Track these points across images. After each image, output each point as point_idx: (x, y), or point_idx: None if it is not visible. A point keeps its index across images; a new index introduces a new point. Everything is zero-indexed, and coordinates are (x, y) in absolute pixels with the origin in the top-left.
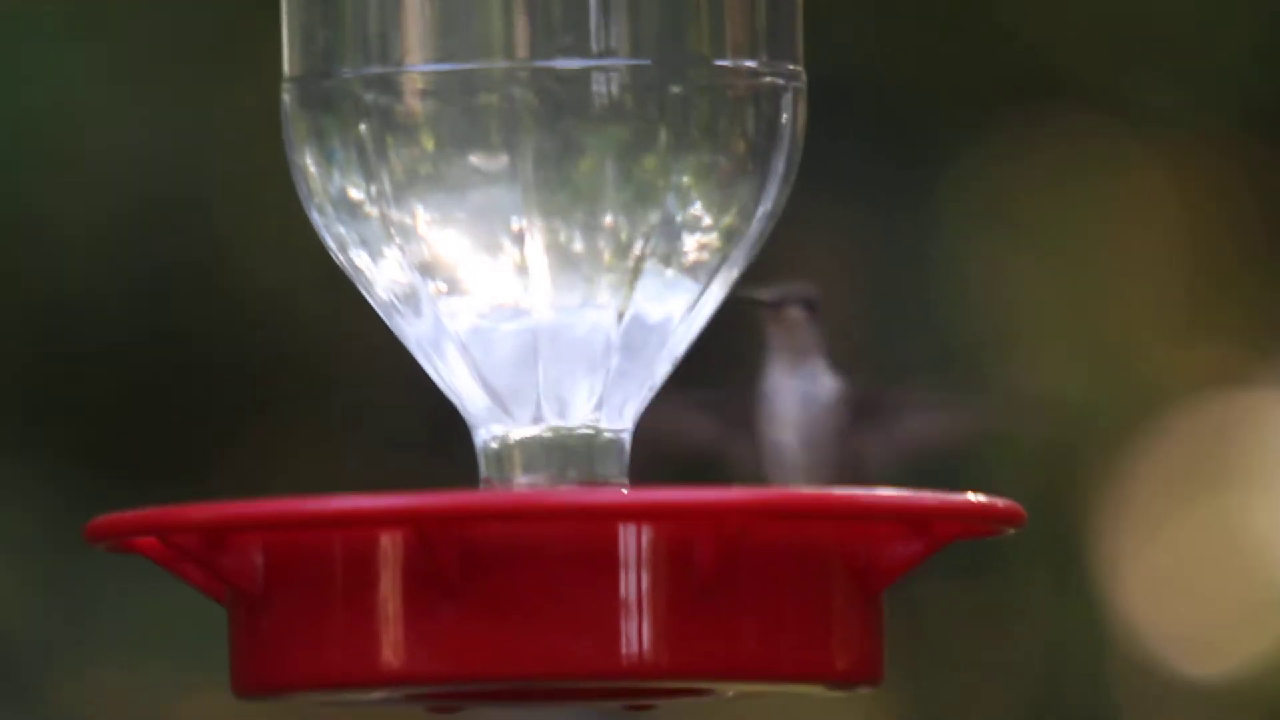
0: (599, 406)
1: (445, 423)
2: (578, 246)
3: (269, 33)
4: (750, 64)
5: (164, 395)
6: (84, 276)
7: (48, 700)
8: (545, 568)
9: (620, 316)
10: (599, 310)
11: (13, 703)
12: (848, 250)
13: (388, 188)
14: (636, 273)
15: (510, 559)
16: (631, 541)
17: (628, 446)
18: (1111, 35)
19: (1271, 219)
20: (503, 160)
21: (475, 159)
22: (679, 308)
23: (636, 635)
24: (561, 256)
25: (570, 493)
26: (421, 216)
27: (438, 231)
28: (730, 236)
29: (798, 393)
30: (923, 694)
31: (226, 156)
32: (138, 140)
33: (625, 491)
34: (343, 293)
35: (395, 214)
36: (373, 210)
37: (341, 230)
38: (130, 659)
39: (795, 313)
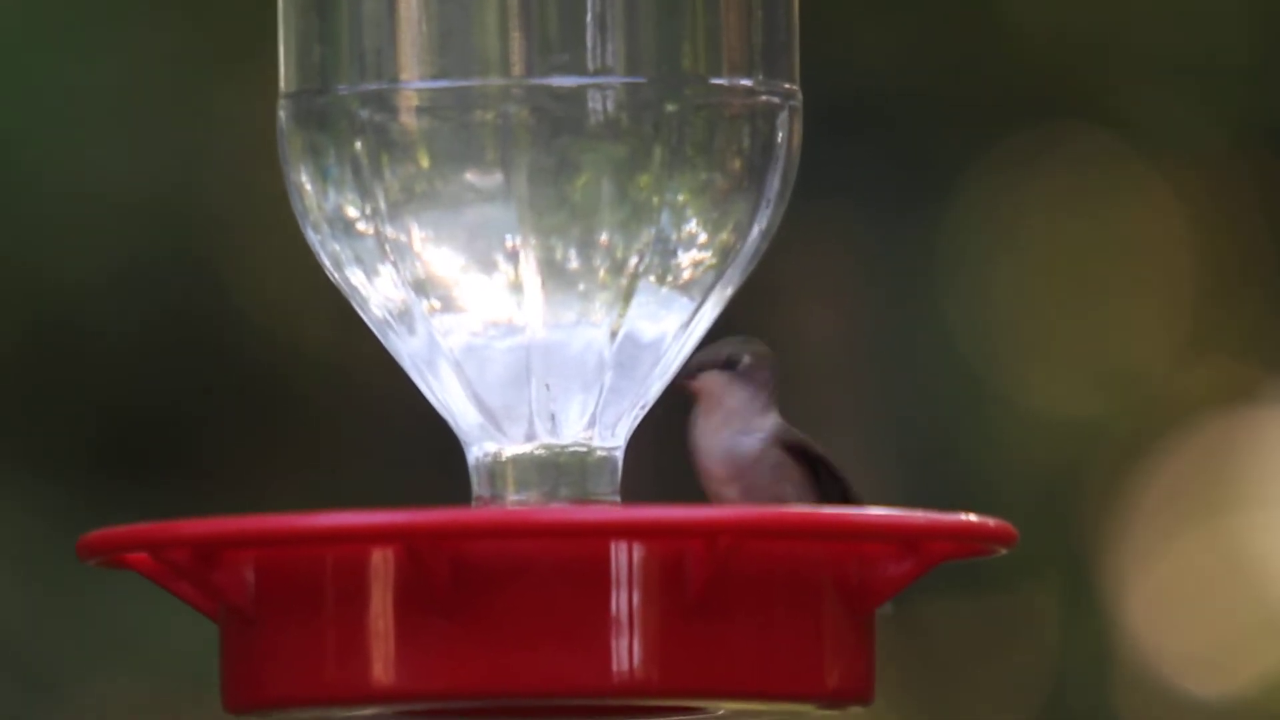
0: (591, 424)
1: (445, 440)
2: (572, 264)
3: (265, 49)
4: (746, 82)
5: (165, 412)
6: (89, 293)
7: (50, 712)
8: (537, 585)
9: (614, 334)
10: (593, 328)
11: (14, 714)
12: (855, 269)
13: (383, 205)
14: (631, 290)
15: (502, 576)
16: (623, 559)
17: (620, 464)
18: (1118, 56)
19: (1277, 238)
20: (498, 177)
21: (470, 176)
22: (673, 325)
23: (627, 653)
24: (556, 274)
25: (561, 510)
26: (416, 234)
27: (432, 249)
28: (725, 254)
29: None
30: (926, 713)
31: (232, 173)
32: (138, 158)
33: (616, 509)
34: (343, 310)
35: (390, 231)
36: (368, 227)
37: (336, 247)
38: (132, 672)
39: (712, 376)
